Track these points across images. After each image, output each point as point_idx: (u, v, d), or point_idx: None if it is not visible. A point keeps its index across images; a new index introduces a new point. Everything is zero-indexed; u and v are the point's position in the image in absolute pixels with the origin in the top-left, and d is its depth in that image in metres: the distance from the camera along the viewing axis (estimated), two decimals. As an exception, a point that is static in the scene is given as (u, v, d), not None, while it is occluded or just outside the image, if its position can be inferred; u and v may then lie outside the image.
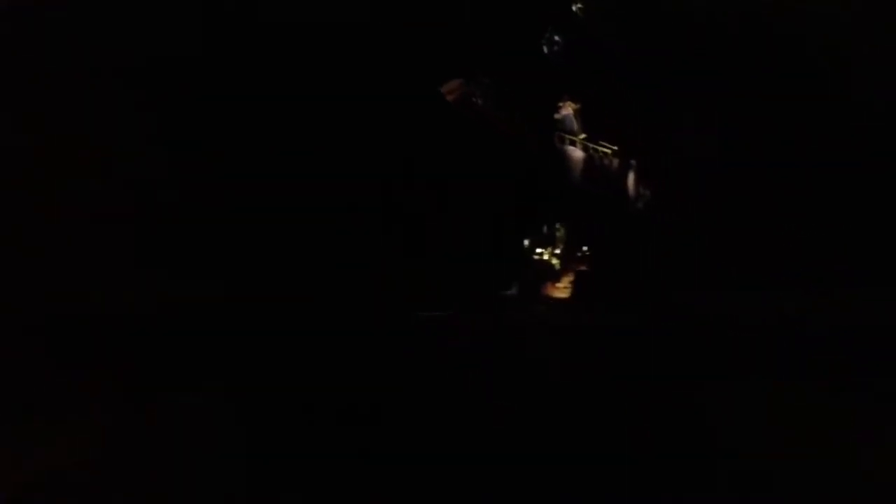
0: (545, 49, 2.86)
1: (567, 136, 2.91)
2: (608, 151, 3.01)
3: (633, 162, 3.05)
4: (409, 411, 2.10)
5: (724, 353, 2.32)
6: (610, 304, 2.73)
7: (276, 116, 2.38)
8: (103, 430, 1.90)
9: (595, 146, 2.99)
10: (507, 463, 1.94)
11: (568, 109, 2.98)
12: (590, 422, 2.11)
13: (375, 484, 1.86)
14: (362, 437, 2.00)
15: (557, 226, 3.00)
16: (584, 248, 3.02)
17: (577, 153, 2.94)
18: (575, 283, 3.05)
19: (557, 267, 3.00)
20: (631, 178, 3.07)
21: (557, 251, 3.00)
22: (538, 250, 2.98)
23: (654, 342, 2.41)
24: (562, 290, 3.06)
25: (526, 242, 2.97)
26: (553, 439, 2.05)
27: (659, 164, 3.07)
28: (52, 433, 1.84)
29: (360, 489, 1.86)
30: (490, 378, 2.25)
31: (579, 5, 3.01)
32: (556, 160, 2.94)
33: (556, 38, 2.88)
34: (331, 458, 1.91)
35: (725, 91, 2.81)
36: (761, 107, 2.78)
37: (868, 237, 2.48)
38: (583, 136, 2.96)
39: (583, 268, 3.04)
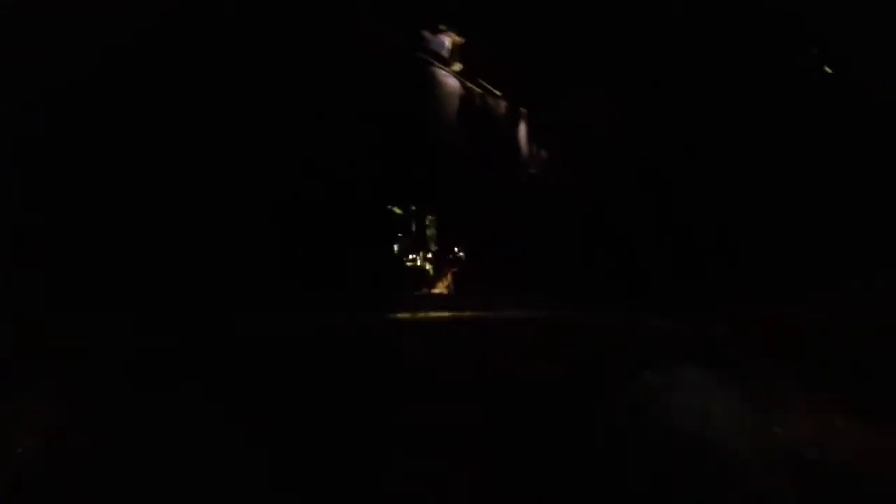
0: None
1: (435, 61, 2.31)
2: (492, 93, 2.41)
3: (524, 110, 2.46)
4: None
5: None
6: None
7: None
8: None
9: (474, 84, 2.39)
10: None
11: (446, 39, 2.39)
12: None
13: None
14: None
15: (429, 221, 2.37)
16: (456, 249, 2.37)
17: (450, 81, 2.32)
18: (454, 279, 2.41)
19: (430, 270, 2.36)
20: (522, 132, 2.47)
21: (430, 253, 2.35)
22: (412, 256, 2.34)
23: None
24: (441, 285, 2.41)
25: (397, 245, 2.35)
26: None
27: (564, 126, 2.48)
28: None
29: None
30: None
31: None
32: (422, 83, 2.31)
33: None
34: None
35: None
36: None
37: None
38: (458, 66, 2.37)
39: (455, 270, 2.40)
